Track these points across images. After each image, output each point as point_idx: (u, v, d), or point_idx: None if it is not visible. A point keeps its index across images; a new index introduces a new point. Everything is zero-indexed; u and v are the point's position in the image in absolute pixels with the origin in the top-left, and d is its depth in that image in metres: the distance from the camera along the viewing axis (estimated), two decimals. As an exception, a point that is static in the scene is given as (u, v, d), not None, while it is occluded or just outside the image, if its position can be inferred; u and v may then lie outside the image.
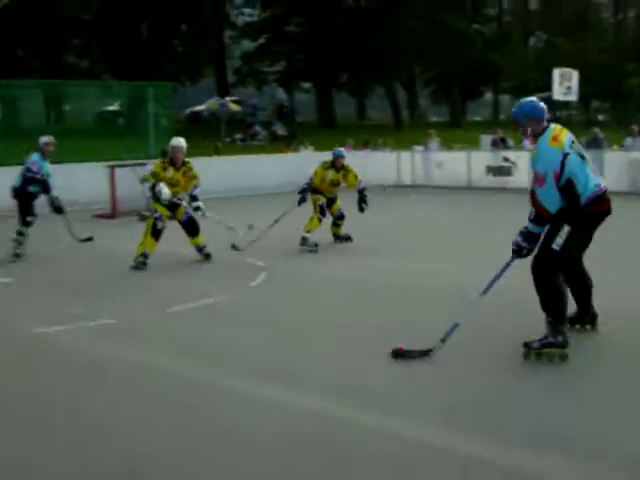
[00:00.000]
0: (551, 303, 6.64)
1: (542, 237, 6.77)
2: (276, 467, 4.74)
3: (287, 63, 56.78)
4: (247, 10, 56.82)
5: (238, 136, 39.76)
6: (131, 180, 18.63)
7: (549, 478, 4.57)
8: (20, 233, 12.85)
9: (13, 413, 5.74)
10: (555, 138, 6.63)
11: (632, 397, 5.83)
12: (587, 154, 6.82)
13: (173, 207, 12.14)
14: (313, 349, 7.17)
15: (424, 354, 6.71)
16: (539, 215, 6.69)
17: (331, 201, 14.00)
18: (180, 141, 12.21)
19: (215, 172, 22.81)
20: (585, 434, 5.12)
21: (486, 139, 29.06)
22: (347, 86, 59.29)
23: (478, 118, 77.75)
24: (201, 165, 22.92)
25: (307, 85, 60.88)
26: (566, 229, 6.55)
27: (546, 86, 31.26)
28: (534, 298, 6.76)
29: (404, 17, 45.92)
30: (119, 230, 16.55)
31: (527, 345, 6.67)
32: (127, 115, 30.76)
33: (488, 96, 78.78)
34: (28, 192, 12.94)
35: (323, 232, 13.65)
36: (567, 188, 6.53)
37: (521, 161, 23.86)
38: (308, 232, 13.31)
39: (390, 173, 26.11)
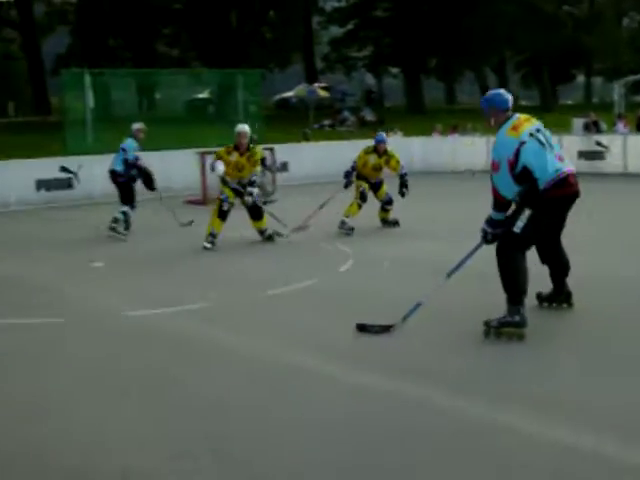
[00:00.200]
0: (510, 283, 6.84)
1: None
2: (366, 454, 4.79)
3: (375, 48, 56.54)
4: (335, -5, 56.80)
5: (326, 122, 39.78)
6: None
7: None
8: (124, 213, 13.79)
9: (106, 389, 5.90)
10: (515, 128, 6.96)
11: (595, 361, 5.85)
12: (556, 142, 7.05)
13: (240, 191, 12.63)
14: (405, 334, 7.17)
15: (385, 329, 7.09)
16: (497, 201, 7.05)
17: (377, 186, 14.17)
18: (244, 127, 12.71)
19: (304, 158, 22.97)
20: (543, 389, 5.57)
21: (578, 123, 28.53)
22: (436, 71, 58.82)
23: (570, 102, 76.37)
24: (290, 151, 23.41)
25: (395, 70, 60.59)
26: (527, 213, 6.79)
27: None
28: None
29: (494, 1, 45.27)
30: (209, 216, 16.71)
31: (487, 324, 6.90)
32: (217, 102, 31.11)
33: (580, 79, 77.35)
34: (131, 176, 13.89)
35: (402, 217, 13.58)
36: (523, 175, 6.78)
37: (614, 145, 23.43)
38: (347, 217, 13.57)
39: (480, 158, 25.81)
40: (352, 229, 13.40)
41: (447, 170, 24.95)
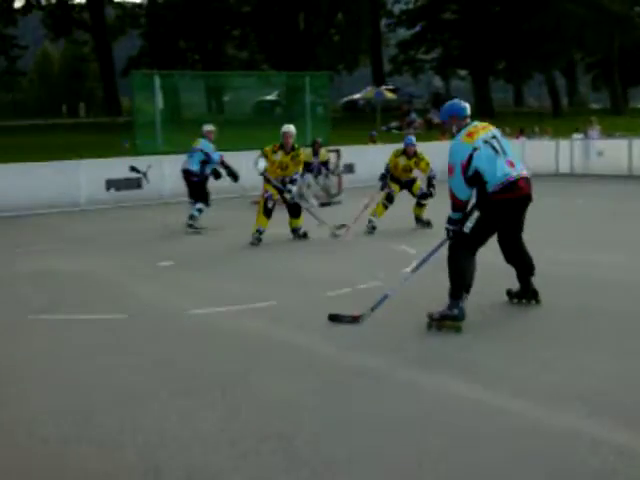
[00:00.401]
0: (455, 279, 7.39)
1: None
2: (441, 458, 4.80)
3: (443, 50, 56.41)
4: (403, -2, 56.72)
5: (394, 124, 39.76)
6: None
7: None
8: (200, 210, 14.74)
9: (170, 387, 5.98)
10: (470, 134, 7.47)
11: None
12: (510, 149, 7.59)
13: (281, 189, 13.35)
14: (475, 338, 7.16)
15: (355, 319, 7.58)
16: (452, 202, 7.52)
17: (409, 184, 14.68)
18: (290, 127, 13.24)
19: (370, 160, 22.94)
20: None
21: (650, 127, 28.15)
22: (504, 73, 58.40)
23: (641, 105, 75.25)
24: (356, 153, 23.43)
25: (463, 72, 60.34)
26: (476, 214, 7.38)
27: None
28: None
29: (562, 2, 44.78)
30: (277, 216, 16.84)
31: (430, 316, 7.37)
32: (284, 104, 31.29)
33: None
34: (205, 175, 14.98)
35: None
36: (474, 178, 7.33)
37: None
38: (372, 216, 14.10)
39: (547, 161, 25.55)
40: (374, 228, 13.95)
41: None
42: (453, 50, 55.26)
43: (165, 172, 19.90)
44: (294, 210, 13.42)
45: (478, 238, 7.45)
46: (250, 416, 5.38)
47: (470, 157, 7.31)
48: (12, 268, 11.39)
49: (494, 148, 7.41)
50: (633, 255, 11.06)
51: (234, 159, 19.54)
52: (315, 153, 19.12)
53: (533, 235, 8.26)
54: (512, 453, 4.69)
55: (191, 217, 14.62)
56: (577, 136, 27.98)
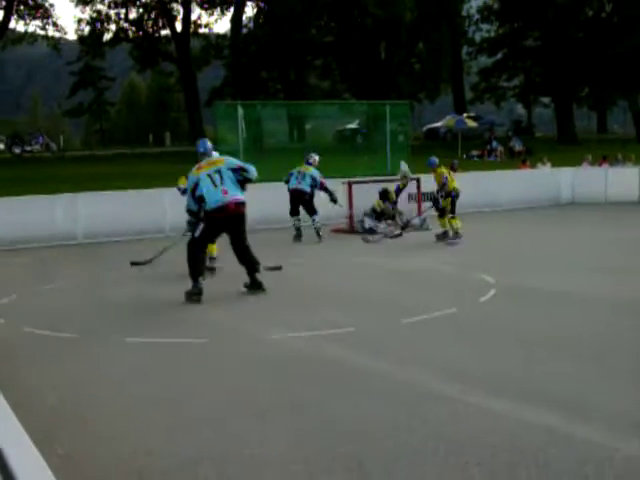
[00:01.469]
0: (190, 268, 10.78)
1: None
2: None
3: (525, 78, 56.12)
4: (484, 26, 56.56)
5: (475, 152, 39.68)
6: (367, 196, 19.22)
7: None
8: (314, 220, 17.67)
9: (247, 409, 6.18)
10: (198, 168, 11.08)
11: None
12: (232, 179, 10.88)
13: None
14: (544, 364, 7.23)
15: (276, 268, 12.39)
16: (189, 212, 11.24)
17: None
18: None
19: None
20: None
21: None
22: (587, 100, 57.82)
23: None
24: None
25: (546, 99, 59.90)
26: (202, 225, 10.88)
27: None
28: None
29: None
30: (356, 244, 17.04)
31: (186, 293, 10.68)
32: (365, 133, 31.56)
33: None
34: (313, 194, 17.88)
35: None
36: (199, 199, 10.80)
37: None
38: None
39: (632, 189, 25.24)
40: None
41: (599, 201, 24.35)
42: (535, 77, 54.94)
43: (249, 201, 20.23)
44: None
45: (204, 240, 11.03)
46: (324, 438, 5.54)
47: (196, 184, 10.83)
48: (106, 292, 11.84)
49: (213, 181, 10.73)
50: None
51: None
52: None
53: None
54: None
55: (315, 230, 17.53)
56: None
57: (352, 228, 19.01)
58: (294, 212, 17.92)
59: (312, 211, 17.74)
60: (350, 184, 19.42)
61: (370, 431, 5.65)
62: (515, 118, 59.21)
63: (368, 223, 18.73)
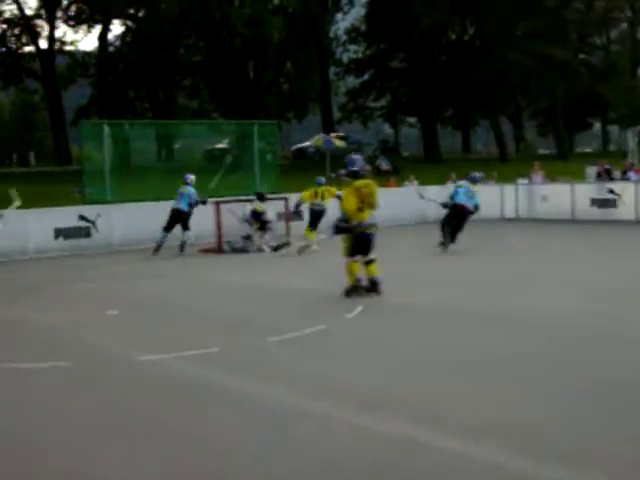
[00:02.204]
0: None
1: None
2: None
3: (392, 98, 57.14)
4: (351, 47, 57.34)
5: (343, 171, 39.95)
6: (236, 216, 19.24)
7: None
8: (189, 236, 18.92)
9: (115, 433, 6.08)
10: None
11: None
12: None
13: None
14: (409, 378, 7.34)
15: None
16: None
17: None
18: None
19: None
20: None
21: (591, 171, 28.74)
22: (452, 120, 59.27)
23: (589, 149, 76.72)
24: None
25: (412, 119, 61.11)
26: None
27: (657, 116, 30.68)
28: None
29: (507, 51, 45.72)
30: (222, 264, 17.00)
31: None
32: (234, 152, 31.47)
33: (598, 127, 77.74)
34: (191, 213, 18.93)
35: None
36: None
37: (626, 193, 23.57)
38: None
39: (493, 207, 25.97)
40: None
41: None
42: (401, 97, 55.99)
43: (114, 221, 20.00)
44: None
45: None
46: (192, 460, 5.48)
47: None
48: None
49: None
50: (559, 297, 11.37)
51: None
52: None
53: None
54: None
55: (184, 243, 18.61)
56: (522, 181, 28.52)
57: (220, 248, 18.94)
58: (167, 229, 18.75)
59: (186, 228, 18.83)
60: (218, 204, 19.36)
61: (238, 450, 5.64)
62: (382, 138, 60.07)
63: (240, 243, 18.79)
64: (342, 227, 11.92)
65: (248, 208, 19.14)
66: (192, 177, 19.34)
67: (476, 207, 17.64)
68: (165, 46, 46.03)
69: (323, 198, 18.46)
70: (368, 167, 40.86)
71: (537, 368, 7.47)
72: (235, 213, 19.39)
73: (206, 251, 19.00)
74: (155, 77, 47.23)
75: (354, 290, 11.69)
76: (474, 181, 18.18)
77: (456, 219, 17.45)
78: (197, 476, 5.21)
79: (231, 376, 7.64)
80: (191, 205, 18.90)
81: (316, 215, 18.54)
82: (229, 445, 5.76)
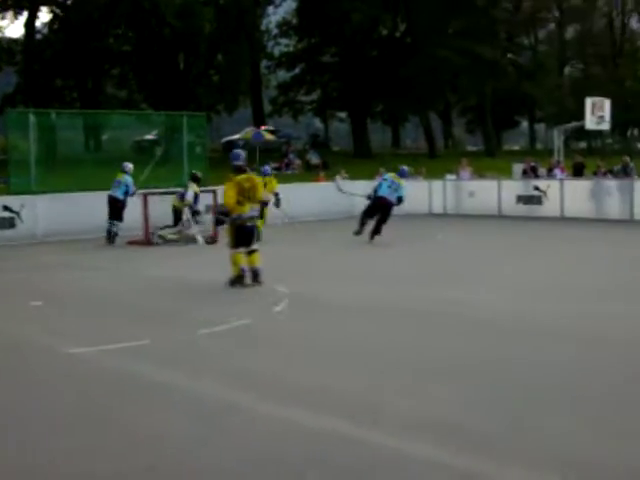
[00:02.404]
0: None
1: None
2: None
3: (322, 92, 57.19)
4: (283, 40, 57.23)
5: (272, 165, 40.08)
6: (166, 207, 19.07)
7: None
8: (113, 224, 19.09)
9: (43, 423, 6.00)
10: None
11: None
12: None
13: None
14: (334, 371, 7.37)
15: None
16: None
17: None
18: None
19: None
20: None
21: (518, 168, 29.16)
22: (382, 115, 59.56)
23: (517, 147, 77.79)
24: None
25: (343, 114, 61.27)
26: None
27: (582, 115, 31.27)
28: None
29: (437, 48, 46.14)
30: (150, 256, 16.86)
31: None
32: (163, 144, 31.21)
33: (526, 125, 78.89)
34: (126, 202, 19.25)
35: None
36: None
37: (551, 190, 23.96)
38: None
39: (422, 202, 26.20)
40: None
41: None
42: (332, 92, 56.07)
43: (39, 211, 19.68)
44: None
45: None
46: (121, 454, 5.44)
47: None
48: None
49: None
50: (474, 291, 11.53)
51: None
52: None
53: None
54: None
55: (112, 233, 18.97)
56: (450, 177, 28.81)
57: (148, 240, 18.75)
58: (110, 217, 19.16)
59: (118, 217, 19.16)
60: (146, 195, 19.14)
61: (162, 444, 5.61)
62: (312, 132, 60.13)
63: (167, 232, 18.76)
64: (221, 219, 12.72)
65: (190, 194, 18.95)
66: (130, 166, 19.80)
67: (399, 200, 18.02)
68: (93, 35, 45.34)
69: (267, 187, 18.01)
70: (298, 161, 41.09)
71: (468, 364, 7.56)
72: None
73: (134, 243, 18.80)
74: (83, 66, 46.50)
75: (238, 280, 12.05)
76: (402, 175, 18.46)
77: (378, 211, 17.88)
78: (126, 468, 5.16)
79: (160, 369, 7.59)
80: (127, 194, 19.22)
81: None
82: (158, 437, 5.73)
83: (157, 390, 6.91)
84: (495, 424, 5.83)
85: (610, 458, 5.19)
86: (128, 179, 19.35)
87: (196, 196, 19.03)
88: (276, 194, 20.27)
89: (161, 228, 18.89)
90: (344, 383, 6.94)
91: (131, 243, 18.80)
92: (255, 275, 12.09)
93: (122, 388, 7.00)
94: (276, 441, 5.58)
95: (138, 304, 11.24)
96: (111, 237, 18.99)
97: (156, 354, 8.14)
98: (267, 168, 20.92)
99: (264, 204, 17.57)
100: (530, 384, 6.80)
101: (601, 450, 5.32)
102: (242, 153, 12.85)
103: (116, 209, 19.11)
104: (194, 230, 18.76)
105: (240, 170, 12.20)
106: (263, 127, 48.73)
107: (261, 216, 17.39)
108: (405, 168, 19.08)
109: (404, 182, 18.28)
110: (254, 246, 12.17)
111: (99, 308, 10.95)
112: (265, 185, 17.67)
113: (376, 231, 17.79)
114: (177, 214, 19.07)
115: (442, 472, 5.01)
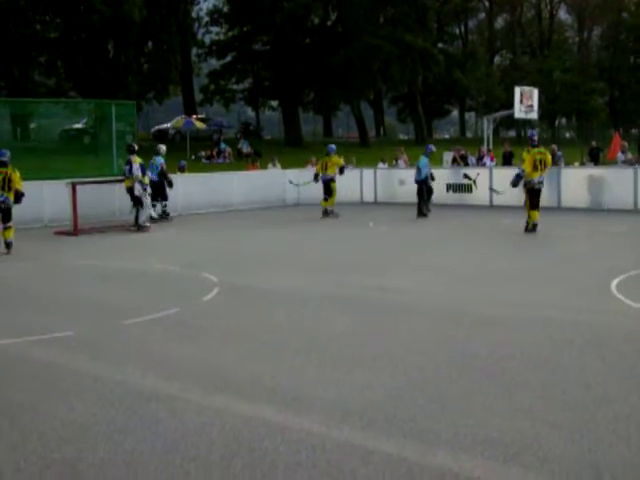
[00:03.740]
0: None
1: None
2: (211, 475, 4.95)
3: (253, 81, 57.00)
4: (214, 28, 56.86)
5: (203, 154, 39.88)
6: (96, 197, 18.88)
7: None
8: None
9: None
10: None
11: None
12: None
13: None
14: (264, 359, 7.37)
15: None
16: None
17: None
18: None
19: (180, 189, 22.97)
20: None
21: (448, 156, 29.38)
22: (313, 104, 59.58)
23: (447, 136, 78.54)
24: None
25: (274, 103, 61.17)
26: None
27: (511, 104, 31.70)
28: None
29: (369, 37, 46.30)
30: (78, 246, 16.66)
31: None
32: (92, 133, 30.82)
33: (456, 114, 79.67)
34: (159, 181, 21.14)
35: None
36: None
37: (480, 178, 24.21)
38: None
39: (353, 190, 26.29)
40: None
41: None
42: (263, 81, 55.92)
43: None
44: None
45: None
46: (38, 446, 5.37)
47: None
48: None
49: None
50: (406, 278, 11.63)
51: (36, 188, 19.13)
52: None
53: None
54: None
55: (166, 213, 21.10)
56: (382, 166, 28.94)
57: (76, 230, 18.50)
58: (154, 199, 20.78)
59: (163, 197, 21.26)
60: (74, 185, 18.90)
61: (86, 434, 5.57)
62: (244, 121, 59.92)
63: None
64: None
65: (136, 166, 18.88)
66: (164, 147, 22.21)
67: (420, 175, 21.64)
68: (20, 21, 44.54)
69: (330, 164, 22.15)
70: (229, 150, 40.91)
71: (392, 346, 7.62)
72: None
73: (61, 233, 18.56)
74: (9, 53, 45.67)
75: None
76: (425, 152, 22.36)
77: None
78: (53, 457, 5.11)
79: (85, 359, 7.52)
80: (160, 174, 20.94)
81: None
82: (75, 429, 5.68)
83: (83, 380, 6.85)
84: (419, 408, 5.90)
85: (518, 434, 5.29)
86: (158, 160, 21.17)
87: (142, 166, 19.05)
88: (341, 168, 22.47)
89: (130, 212, 18.99)
90: (272, 371, 6.94)
91: (58, 233, 18.55)
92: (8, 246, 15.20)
93: (46, 379, 6.93)
94: (202, 430, 5.56)
95: (65, 295, 11.12)
96: (166, 215, 20.93)
97: (82, 344, 8.06)
98: (332, 146, 23.03)
99: (331, 180, 21.32)
100: (456, 366, 6.88)
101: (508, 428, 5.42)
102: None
103: (157, 189, 20.65)
104: (147, 201, 18.86)
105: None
106: (194, 116, 48.47)
107: (330, 193, 21.15)
108: (333, 146, 22.82)
109: (421, 158, 21.74)
110: (10, 223, 15.47)
111: (24, 299, 10.82)
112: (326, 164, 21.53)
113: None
114: (132, 192, 18.97)
115: (371, 457, 5.05)
